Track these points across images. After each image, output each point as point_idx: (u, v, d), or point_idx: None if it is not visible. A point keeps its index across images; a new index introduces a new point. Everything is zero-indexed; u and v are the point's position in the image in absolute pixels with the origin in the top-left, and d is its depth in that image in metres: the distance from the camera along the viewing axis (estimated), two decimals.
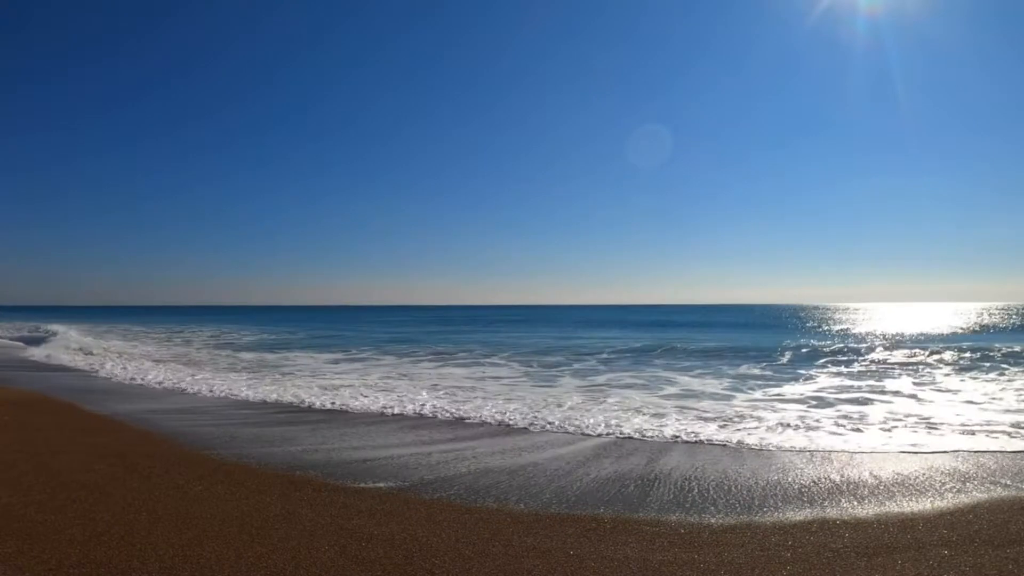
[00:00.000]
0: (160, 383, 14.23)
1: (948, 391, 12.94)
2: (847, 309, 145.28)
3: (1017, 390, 12.85)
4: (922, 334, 36.82)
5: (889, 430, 8.67)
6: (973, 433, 8.36)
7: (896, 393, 12.60)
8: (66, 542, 4.15)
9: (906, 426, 8.93)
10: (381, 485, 5.83)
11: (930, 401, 11.64)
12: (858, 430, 8.73)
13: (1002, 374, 16.00)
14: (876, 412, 10.29)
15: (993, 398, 11.86)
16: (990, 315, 76.30)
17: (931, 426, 8.90)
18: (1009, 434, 8.23)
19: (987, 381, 14.54)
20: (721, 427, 8.90)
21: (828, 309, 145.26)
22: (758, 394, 12.69)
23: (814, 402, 11.51)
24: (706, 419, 9.59)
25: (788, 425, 9.07)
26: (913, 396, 12.20)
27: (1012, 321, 55.58)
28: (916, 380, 14.79)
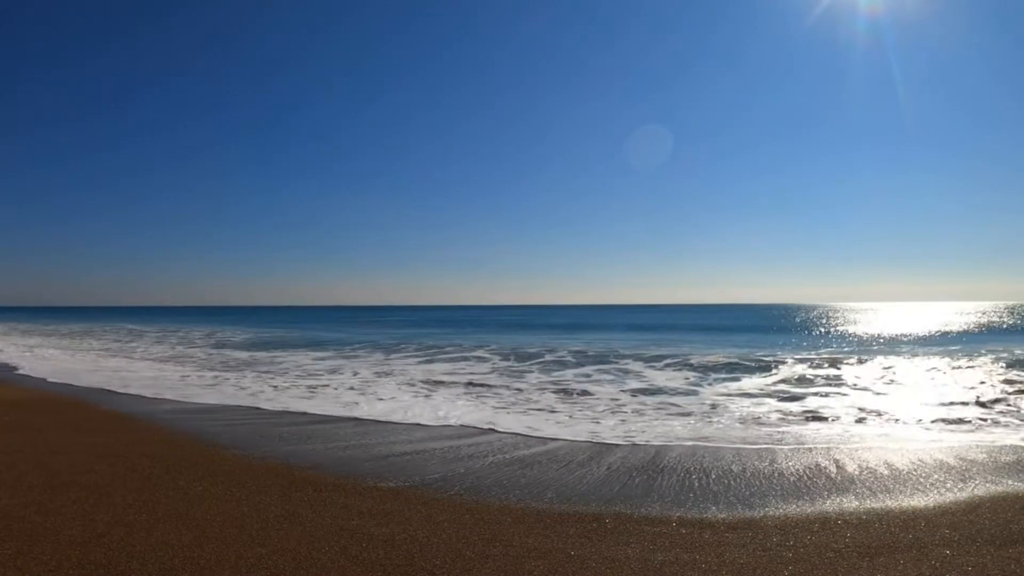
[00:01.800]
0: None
1: (928, 389, 12.97)
2: (846, 309, 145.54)
3: (990, 386, 12.86)
4: (911, 334, 36.84)
5: (863, 425, 8.71)
6: (969, 431, 8.37)
7: (873, 391, 12.61)
8: (66, 543, 4.14)
9: (890, 421, 8.94)
10: (382, 485, 5.82)
11: (906, 397, 11.71)
12: (821, 424, 8.86)
13: (981, 372, 16.01)
14: (843, 407, 10.41)
15: (975, 388, 11.89)
16: (988, 315, 76.35)
17: (923, 423, 8.90)
18: (994, 432, 8.25)
19: (972, 379, 14.54)
20: (688, 423, 9.04)
21: (827, 309, 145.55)
22: (720, 388, 12.91)
23: (783, 396, 11.72)
24: (672, 415, 9.77)
25: (749, 420, 9.21)
26: (883, 393, 12.24)
27: (1013, 321, 55.60)
28: (886, 377, 14.85)
